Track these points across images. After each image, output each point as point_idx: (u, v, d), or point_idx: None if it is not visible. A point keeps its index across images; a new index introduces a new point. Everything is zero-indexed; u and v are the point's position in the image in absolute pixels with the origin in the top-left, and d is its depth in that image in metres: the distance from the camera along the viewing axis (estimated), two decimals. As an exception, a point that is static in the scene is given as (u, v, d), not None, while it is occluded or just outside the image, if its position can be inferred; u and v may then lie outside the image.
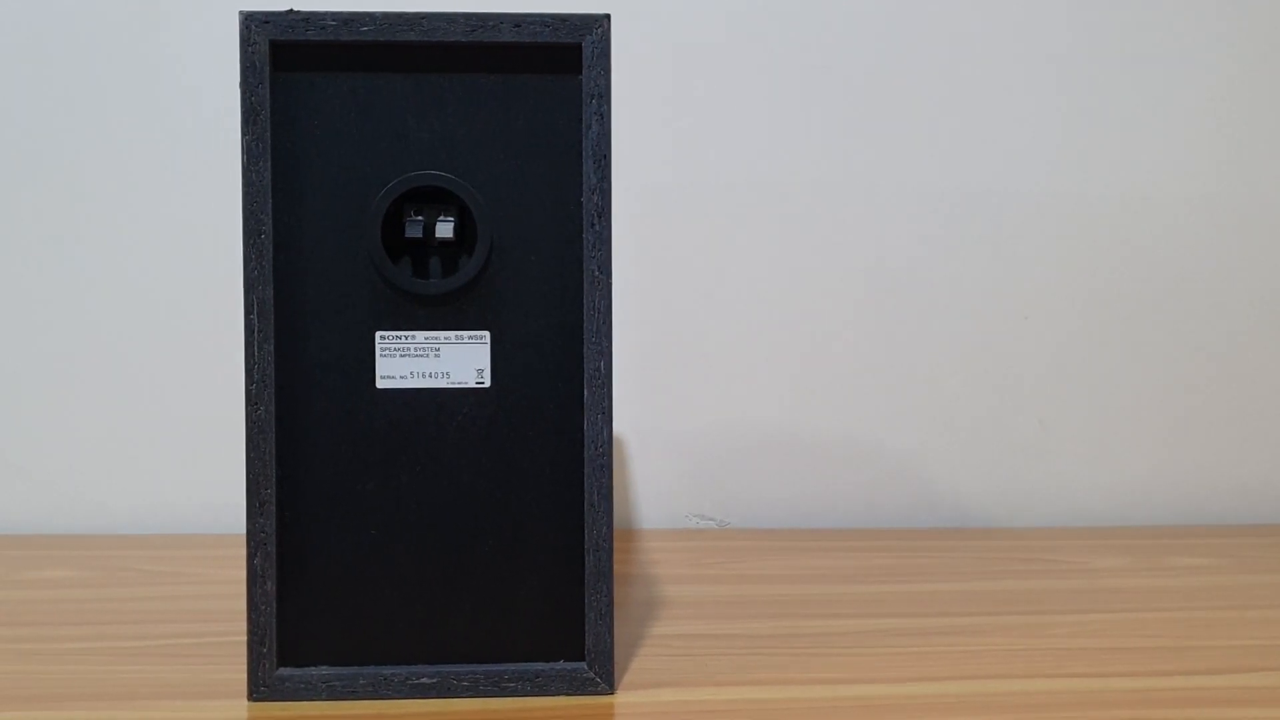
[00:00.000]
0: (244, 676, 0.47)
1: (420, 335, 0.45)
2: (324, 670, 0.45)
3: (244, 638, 0.53)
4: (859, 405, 0.82)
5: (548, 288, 0.45)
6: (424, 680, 0.45)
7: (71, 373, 0.79)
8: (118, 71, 0.78)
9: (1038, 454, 0.83)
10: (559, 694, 0.45)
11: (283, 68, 0.44)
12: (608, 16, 0.44)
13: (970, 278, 0.82)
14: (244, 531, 0.78)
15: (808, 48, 0.79)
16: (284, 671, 0.45)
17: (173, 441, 0.80)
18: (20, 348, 0.79)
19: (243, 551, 0.72)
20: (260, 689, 0.44)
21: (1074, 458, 0.83)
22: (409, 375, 0.45)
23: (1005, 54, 0.80)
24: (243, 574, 0.67)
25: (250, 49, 0.44)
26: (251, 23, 0.44)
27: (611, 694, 0.45)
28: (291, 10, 0.44)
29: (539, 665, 0.45)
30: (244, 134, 0.44)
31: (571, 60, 0.45)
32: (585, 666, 0.45)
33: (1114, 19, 0.81)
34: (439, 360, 0.45)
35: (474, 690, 0.45)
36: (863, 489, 0.82)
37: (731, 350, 0.81)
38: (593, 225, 0.45)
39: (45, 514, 0.80)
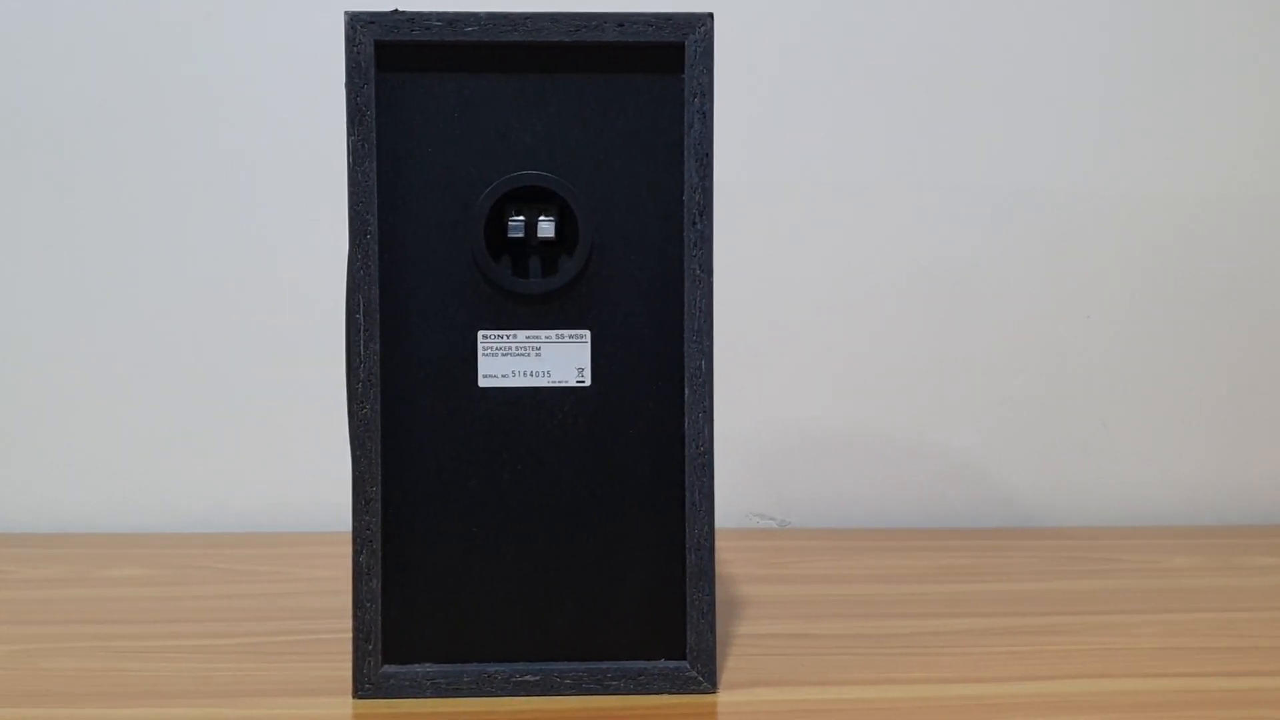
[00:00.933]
0: (341, 673, 0.47)
1: (521, 334, 0.45)
2: (428, 668, 0.45)
3: (331, 635, 0.53)
4: (918, 404, 0.82)
5: (648, 286, 0.45)
6: (527, 678, 0.45)
7: (138, 372, 0.80)
8: (198, 73, 0.79)
9: (1099, 452, 0.83)
10: (661, 692, 0.45)
11: (387, 68, 0.44)
12: (710, 15, 0.44)
13: (1031, 276, 0.81)
14: (309, 530, 0.79)
15: (862, 47, 0.79)
16: (388, 669, 0.45)
17: (237, 441, 0.81)
18: (90, 347, 0.80)
19: (310, 550, 0.73)
20: (365, 686, 0.45)
21: (1135, 456, 0.83)
22: (510, 374, 0.45)
23: (1058, 51, 0.80)
24: (316, 572, 0.68)
25: (355, 49, 0.44)
26: (357, 23, 0.44)
27: (714, 693, 0.45)
28: (396, 10, 0.44)
29: (640, 663, 0.45)
30: (349, 134, 0.44)
31: (673, 59, 0.45)
32: (687, 665, 0.45)
33: (1169, 13, 0.80)
34: (540, 359, 0.45)
35: (577, 688, 0.45)
36: (922, 488, 0.82)
37: (789, 348, 0.81)
38: (694, 224, 0.45)
39: (113, 513, 0.80)
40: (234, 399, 0.80)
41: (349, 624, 0.55)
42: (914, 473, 0.82)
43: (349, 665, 0.48)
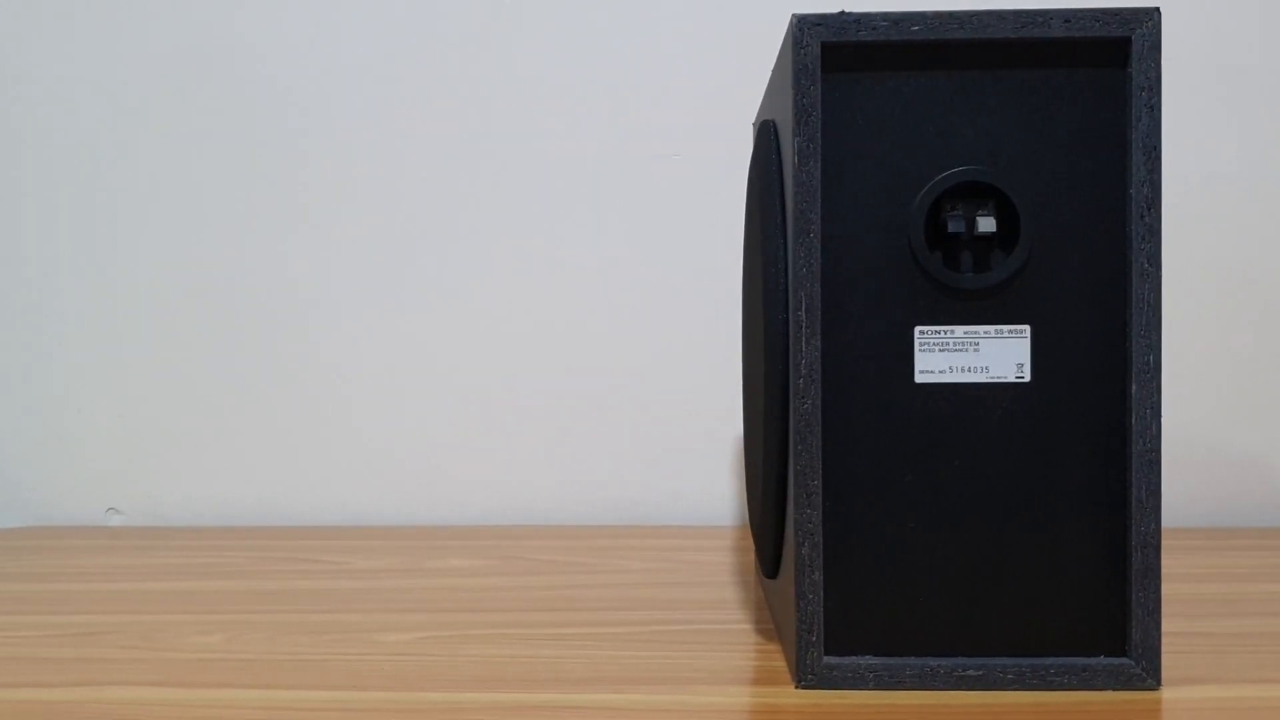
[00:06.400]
0: (760, 663, 0.49)
1: (959, 330, 0.45)
2: (869, 660, 0.46)
3: (713, 625, 0.55)
4: (1204, 403, 0.80)
5: (1091, 281, 0.45)
6: (970, 672, 0.45)
7: (439, 375, 0.83)
8: (484, 77, 0.81)
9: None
10: (1105, 688, 0.45)
11: (831, 69, 0.45)
12: (1158, 10, 0.44)
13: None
14: (591, 523, 0.81)
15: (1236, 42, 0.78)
16: (830, 660, 0.46)
17: (519, 439, 0.83)
18: (397, 351, 0.83)
19: (601, 542, 0.75)
20: (808, 677, 0.45)
21: None
22: (947, 370, 0.46)
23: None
24: (629, 563, 0.69)
25: (802, 51, 0.45)
26: (804, 25, 0.45)
27: (1158, 689, 0.45)
28: (843, 11, 0.45)
29: (1082, 659, 0.45)
30: (795, 135, 0.45)
31: (1118, 54, 0.45)
32: (1131, 662, 0.45)
33: None
34: (978, 355, 0.45)
35: (1019, 683, 0.45)
36: (1210, 487, 0.80)
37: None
38: (1142, 217, 0.44)
39: (406, 507, 0.83)
40: (517, 401, 0.83)
41: (721, 615, 0.56)
42: (1200, 471, 0.80)
43: (763, 655, 0.50)
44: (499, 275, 0.82)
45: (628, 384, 0.82)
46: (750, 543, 0.76)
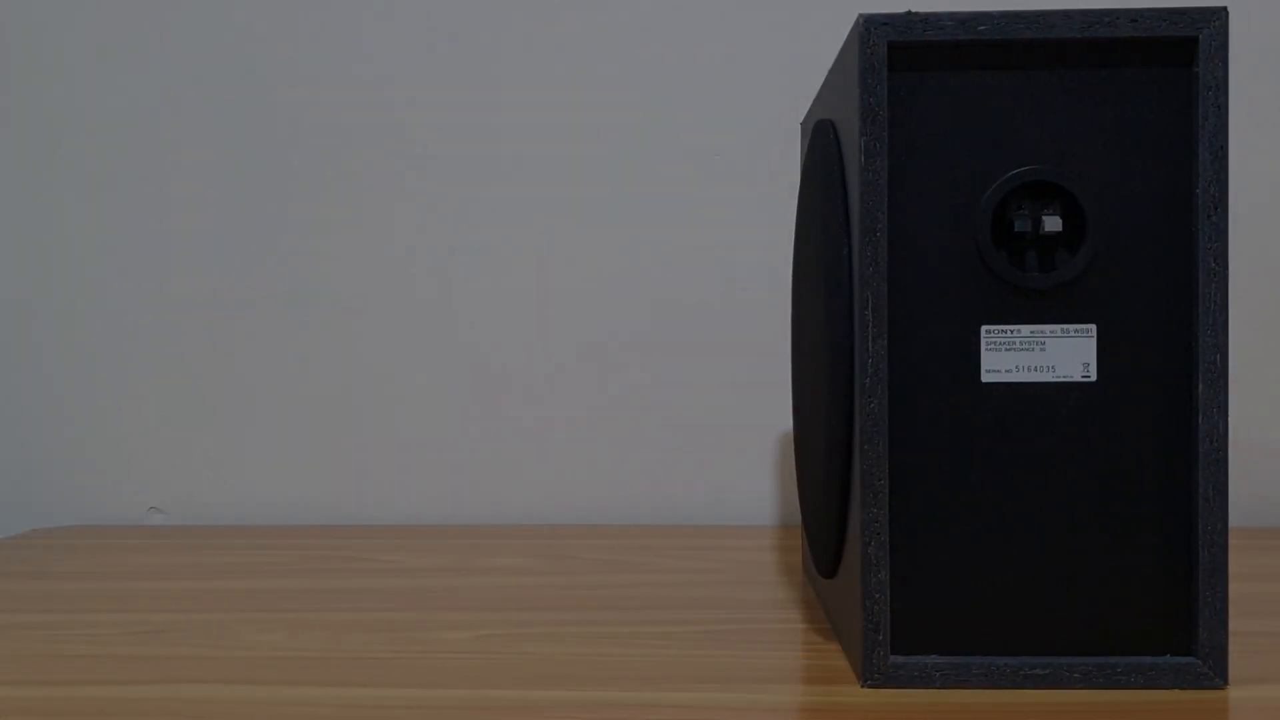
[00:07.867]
0: (823, 662, 0.49)
1: (1025, 329, 0.46)
2: (935, 659, 0.46)
3: (768, 624, 0.55)
4: (1268, 401, 0.80)
5: (1157, 280, 0.45)
6: (1036, 671, 0.45)
7: (474, 379, 0.83)
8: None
9: None
10: (1172, 687, 0.45)
11: (897, 68, 0.45)
12: (1225, 10, 0.44)
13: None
14: (633, 522, 0.81)
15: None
16: (896, 659, 0.46)
17: (563, 440, 0.83)
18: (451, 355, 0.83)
19: (644, 542, 0.75)
20: (874, 676, 0.46)
21: None
22: (1014, 369, 0.46)
23: None
24: (675, 562, 0.69)
25: (869, 50, 0.45)
26: (871, 25, 0.45)
27: (1225, 688, 0.45)
28: (910, 11, 0.45)
29: (1148, 659, 0.45)
30: (861, 134, 0.45)
31: (1184, 53, 0.45)
32: (1198, 661, 0.45)
33: None
34: (1044, 354, 0.46)
35: (1086, 682, 0.45)
36: (1272, 487, 0.80)
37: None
38: (1209, 217, 0.44)
39: (446, 507, 0.84)
40: (560, 400, 0.83)
41: (775, 614, 0.57)
42: (1262, 472, 0.80)
43: (823, 654, 0.50)
44: (541, 275, 0.83)
45: (670, 383, 0.83)
46: (796, 542, 0.76)
